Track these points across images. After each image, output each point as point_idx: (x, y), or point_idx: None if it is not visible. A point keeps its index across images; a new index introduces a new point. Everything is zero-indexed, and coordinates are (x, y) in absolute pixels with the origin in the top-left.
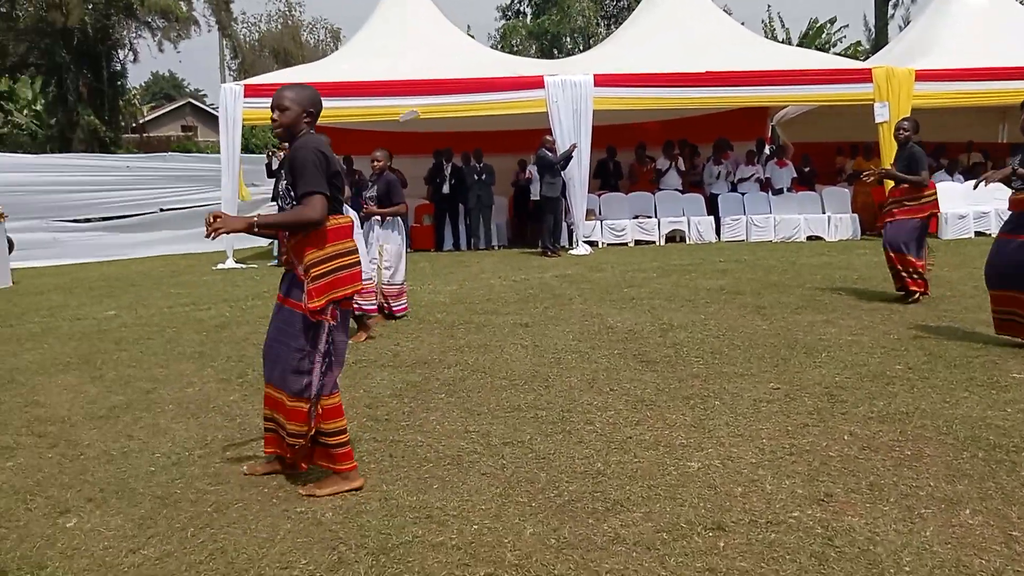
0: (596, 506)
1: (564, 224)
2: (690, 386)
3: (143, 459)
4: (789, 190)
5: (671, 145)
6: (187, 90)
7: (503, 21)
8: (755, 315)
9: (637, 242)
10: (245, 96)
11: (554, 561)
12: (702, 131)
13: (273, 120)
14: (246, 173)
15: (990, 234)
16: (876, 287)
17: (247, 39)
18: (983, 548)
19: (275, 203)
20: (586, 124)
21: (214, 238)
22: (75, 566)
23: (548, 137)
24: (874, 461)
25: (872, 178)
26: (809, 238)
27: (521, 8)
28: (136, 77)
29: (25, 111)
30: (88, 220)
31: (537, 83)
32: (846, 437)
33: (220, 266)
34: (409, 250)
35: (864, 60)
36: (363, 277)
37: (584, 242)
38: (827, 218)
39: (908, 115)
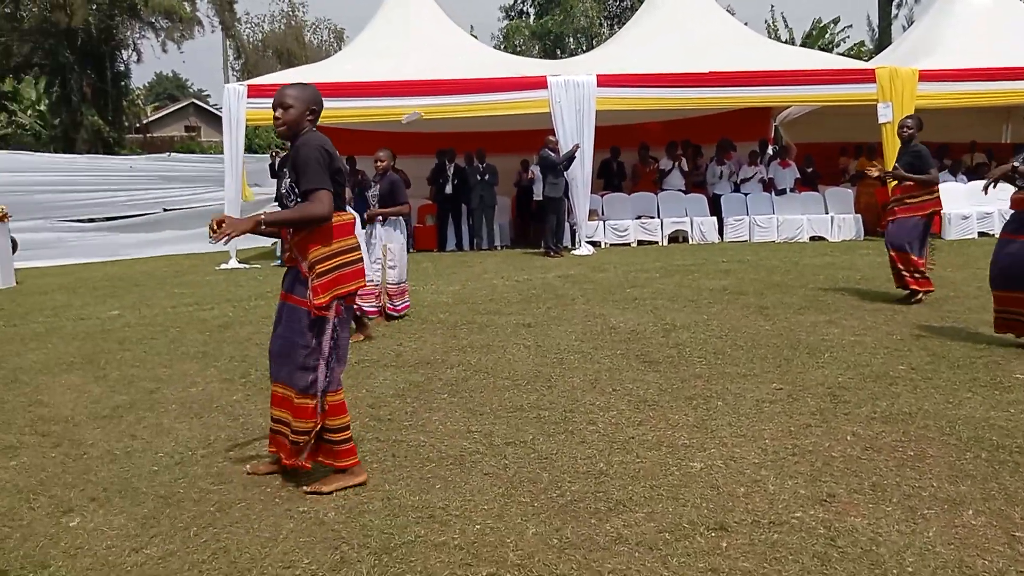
0: (598, 506)
1: (567, 224)
2: (693, 386)
3: (146, 459)
4: (792, 190)
5: (674, 145)
6: (190, 90)
7: (506, 21)
8: (758, 315)
9: (640, 242)
10: (248, 96)
11: (556, 561)
12: (705, 131)
13: (276, 119)
14: (249, 173)
15: (993, 234)
16: (879, 287)
17: (250, 39)
18: (986, 549)
19: (276, 204)
20: (589, 124)
21: (226, 243)
22: (78, 565)
23: (551, 137)
24: (877, 462)
25: (876, 172)
26: (812, 239)
27: (524, 8)
28: (140, 77)
29: (29, 111)
30: (92, 220)
31: (540, 83)
32: (849, 438)
33: (223, 266)
34: (412, 250)
35: (867, 60)
36: (369, 280)
37: (587, 242)
38: (830, 218)
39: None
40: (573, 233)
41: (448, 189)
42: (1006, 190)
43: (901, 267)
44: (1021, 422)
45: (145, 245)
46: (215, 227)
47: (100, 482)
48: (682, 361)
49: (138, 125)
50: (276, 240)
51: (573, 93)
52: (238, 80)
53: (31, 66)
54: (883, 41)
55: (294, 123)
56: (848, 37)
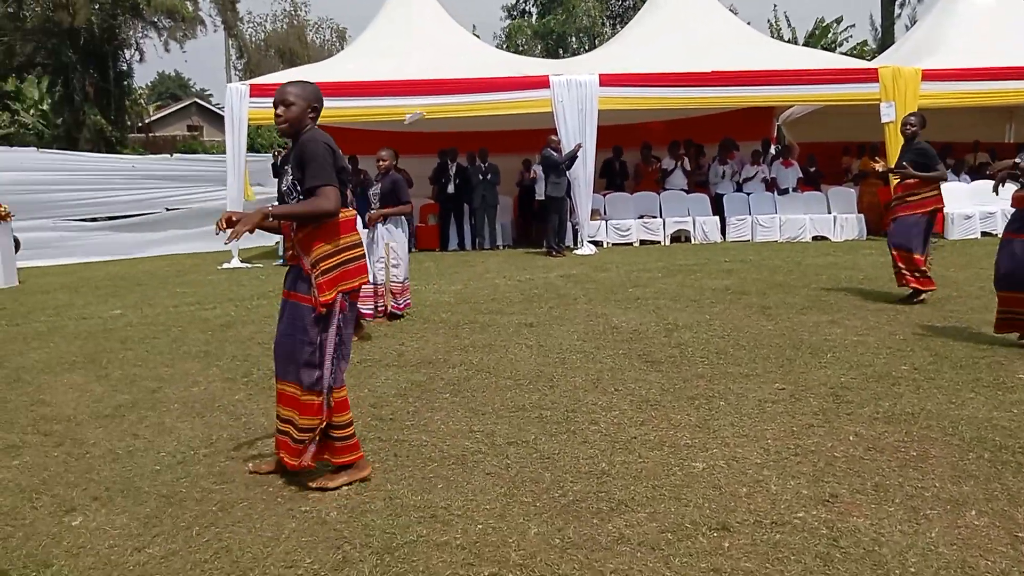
0: (600, 506)
1: (569, 224)
2: (695, 386)
3: (148, 458)
4: (795, 190)
5: (676, 145)
6: (193, 90)
7: (508, 21)
8: (760, 315)
9: (642, 242)
10: (251, 96)
11: (558, 561)
12: (707, 131)
13: (277, 116)
14: (251, 173)
15: (996, 234)
16: (882, 287)
17: (253, 39)
18: (989, 549)
19: (277, 203)
20: (591, 124)
21: (237, 239)
22: (80, 564)
23: (553, 137)
24: (879, 462)
25: (881, 167)
26: (815, 238)
27: (526, 8)
28: (142, 77)
29: (32, 111)
30: (94, 219)
31: (542, 83)
32: (851, 438)
33: (225, 265)
34: (414, 250)
35: (870, 60)
36: (373, 280)
37: (589, 242)
38: (833, 218)
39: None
40: (575, 233)
41: (450, 188)
42: (1010, 189)
43: (902, 266)
44: None
45: (147, 244)
46: (224, 224)
47: (102, 481)
48: (684, 361)
49: (140, 124)
50: (279, 239)
51: (575, 93)
52: (240, 79)
53: (34, 65)
54: (886, 40)
55: (296, 121)
56: (851, 36)
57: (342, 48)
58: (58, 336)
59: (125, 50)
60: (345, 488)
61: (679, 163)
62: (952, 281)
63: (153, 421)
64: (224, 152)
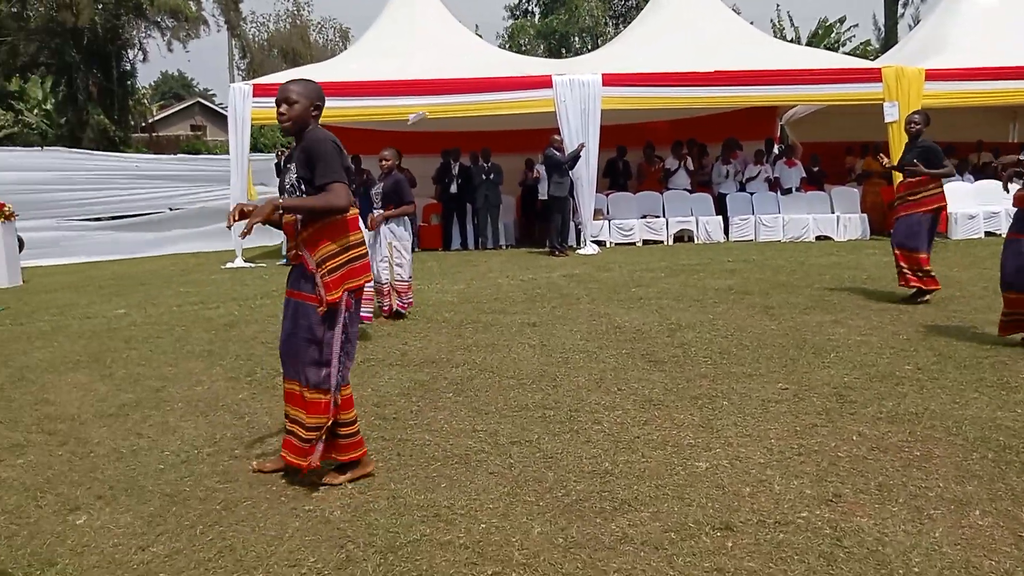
0: (604, 505)
1: (572, 223)
2: (698, 386)
3: (152, 457)
4: (798, 190)
5: (680, 145)
6: (196, 90)
7: (511, 21)
8: (763, 315)
9: (645, 242)
10: (254, 96)
11: (562, 560)
12: (711, 131)
13: (280, 114)
14: (255, 173)
15: (1000, 234)
16: (885, 287)
17: (256, 39)
18: (993, 549)
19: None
20: (594, 124)
21: (250, 233)
22: (85, 563)
23: (556, 137)
24: (883, 462)
25: (887, 163)
26: (818, 238)
27: (529, 8)
28: (145, 76)
29: (35, 110)
30: (98, 219)
31: (545, 83)
32: (855, 438)
33: (229, 265)
34: (417, 249)
35: (874, 59)
36: (376, 279)
37: (592, 242)
38: (836, 218)
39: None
40: (578, 232)
41: (453, 188)
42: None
43: (905, 266)
44: None
45: (151, 244)
46: (236, 216)
47: (106, 480)
48: (687, 361)
49: (144, 124)
50: (283, 239)
51: (578, 92)
52: (243, 79)
53: (37, 65)
54: (889, 40)
55: (299, 118)
56: (854, 36)
57: (345, 48)
58: (62, 335)
59: (129, 50)
60: (349, 487)
61: (682, 163)
62: (956, 281)
63: (157, 420)
64: (227, 152)
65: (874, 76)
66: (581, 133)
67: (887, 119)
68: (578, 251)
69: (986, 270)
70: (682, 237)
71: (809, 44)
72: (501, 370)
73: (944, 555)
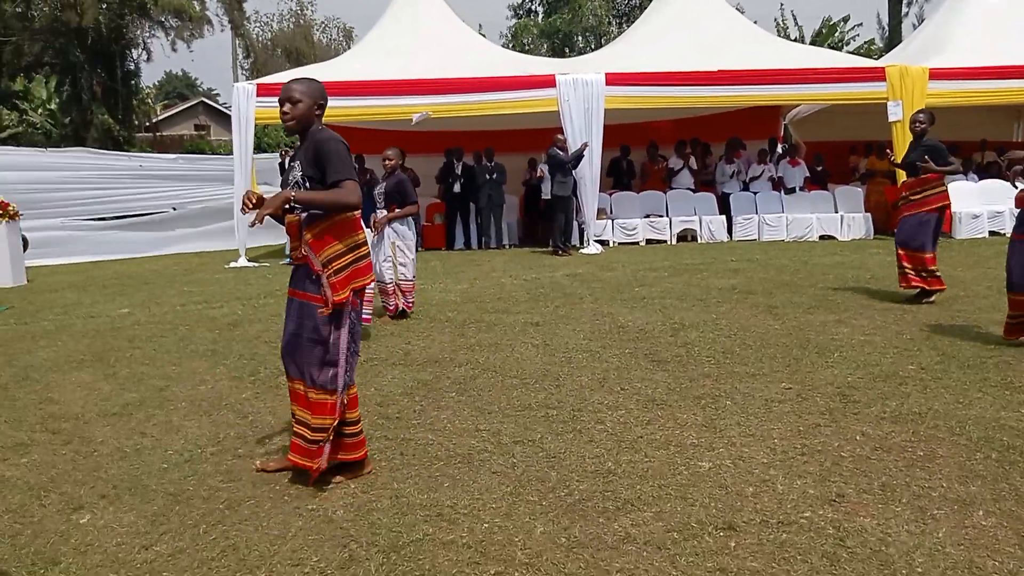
0: (607, 505)
1: (575, 223)
2: (701, 386)
3: (156, 456)
4: (801, 189)
5: (683, 144)
6: (200, 89)
7: (514, 20)
8: (767, 315)
9: (648, 241)
10: (257, 95)
11: (564, 560)
12: (714, 130)
13: (284, 114)
14: (258, 172)
15: (1004, 233)
16: (889, 287)
17: (260, 38)
18: (996, 549)
19: None
20: (597, 123)
21: (260, 223)
22: (88, 562)
23: (559, 136)
24: (886, 462)
25: (894, 157)
26: (822, 237)
27: (533, 7)
28: (149, 76)
29: (40, 110)
30: (102, 219)
31: (548, 82)
32: (858, 437)
33: (232, 264)
34: (420, 249)
35: (878, 59)
36: (380, 279)
37: (595, 241)
38: (840, 217)
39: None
40: (581, 232)
41: (456, 188)
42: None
43: (908, 266)
44: None
45: (155, 243)
46: (250, 204)
47: (110, 479)
48: (691, 360)
49: (148, 124)
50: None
51: (582, 92)
52: (247, 79)
53: (42, 65)
54: (893, 39)
55: (303, 117)
56: (858, 35)
57: (349, 47)
58: (66, 334)
59: (132, 50)
60: (352, 486)
61: (686, 162)
62: (960, 280)
63: (160, 419)
64: (231, 151)
65: (878, 75)
66: (584, 132)
67: (891, 118)
68: (581, 250)
69: (990, 269)
70: (685, 236)
71: (813, 43)
72: (504, 370)
73: (947, 555)
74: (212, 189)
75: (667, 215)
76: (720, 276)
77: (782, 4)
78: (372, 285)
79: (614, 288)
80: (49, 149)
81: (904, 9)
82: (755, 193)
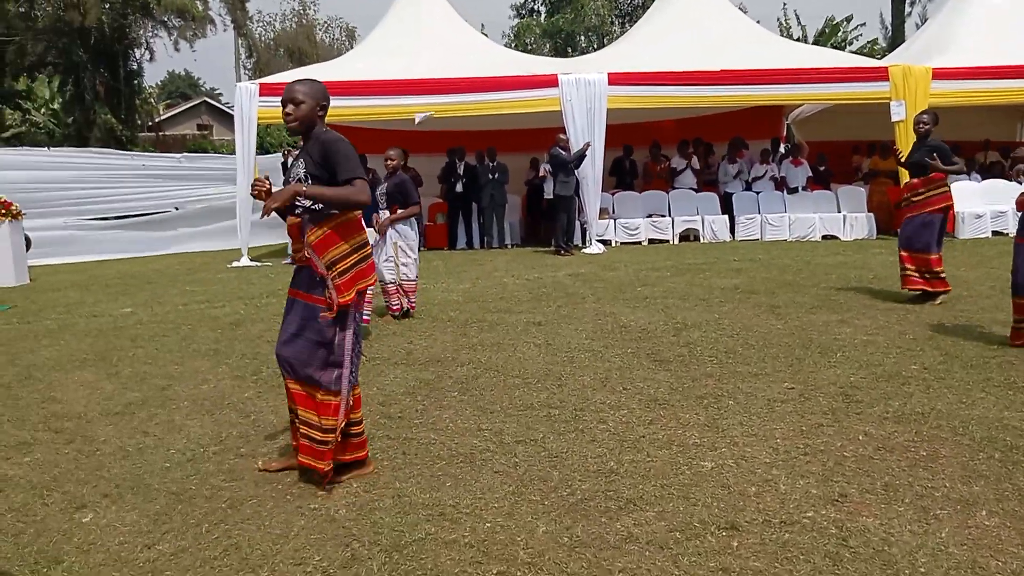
0: (609, 505)
1: (577, 223)
2: (704, 385)
3: (158, 455)
4: (804, 189)
5: (686, 144)
6: (203, 89)
7: (517, 20)
8: (769, 314)
9: (651, 241)
10: (260, 95)
11: (567, 559)
12: (717, 130)
13: (287, 115)
14: (261, 172)
15: (1007, 233)
16: (892, 287)
17: (262, 38)
18: (1000, 550)
19: None
20: (600, 123)
21: (268, 215)
22: (91, 560)
23: (562, 136)
24: (889, 462)
25: (901, 152)
26: (824, 237)
27: (535, 7)
28: (152, 76)
29: (43, 110)
30: (105, 218)
31: (551, 82)
32: (861, 437)
33: (235, 264)
34: (423, 248)
35: (881, 58)
36: (381, 279)
37: (597, 241)
38: (842, 217)
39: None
40: (584, 231)
41: (459, 187)
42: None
43: (912, 268)
44: None
45: (157, 243)
46: (260, 189)
47: (113, 478)
48: (693, 360)
49: (151, 123)
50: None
51: (584, 91)
52: (250, 79)
53: (45, 65)
54: (896, 39)
55: (305, 118)
56: (861, 35)
57: (351, 47)
58: (69, 334)
59: (135, 49)
60: (354, 485)
61: (688, 162)
62: (963, 280)
63: (163, 419)
64: (233, 151)
65: (881, 75)
66: (587, 132)
67: (894, 118)
68: (583, 250)
69: (993, 269)
70: (688, 236)
71: (816, 43)
72: (506, 369)
73: (950, 555)
74: (214, 189)
75: (669, 215)
76: (722, 276)
77: (785, 4)
78: (385, 279)
79: (616, 288)
80: (52, 149)
81: (907, 9)
82: (758, 193)
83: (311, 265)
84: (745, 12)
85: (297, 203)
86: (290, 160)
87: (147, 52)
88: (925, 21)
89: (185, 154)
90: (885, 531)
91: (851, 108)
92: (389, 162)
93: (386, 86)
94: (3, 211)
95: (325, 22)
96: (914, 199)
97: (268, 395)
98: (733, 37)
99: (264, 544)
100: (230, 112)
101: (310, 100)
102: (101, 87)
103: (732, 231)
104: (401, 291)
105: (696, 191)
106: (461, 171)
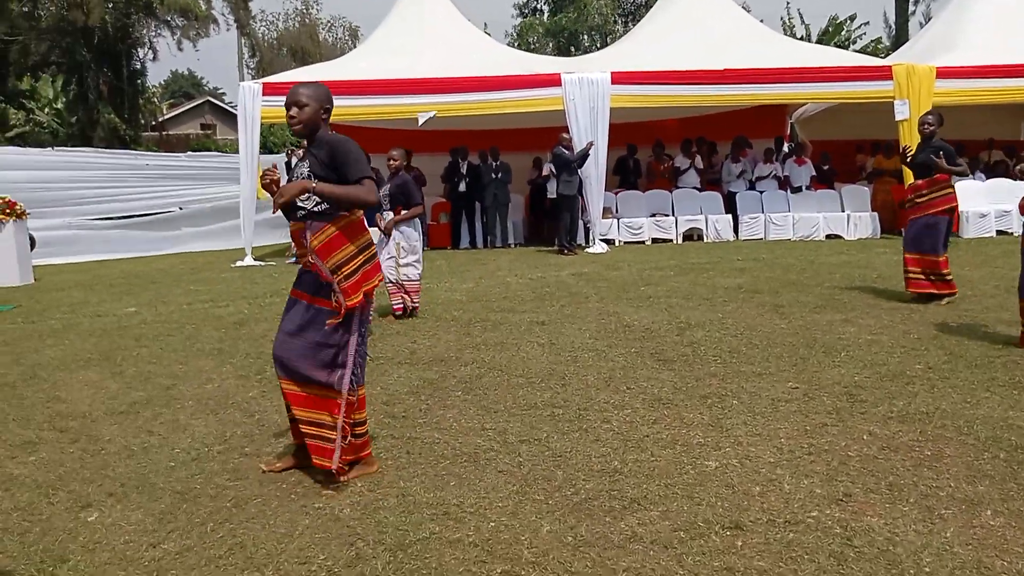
0: (613, 504)
1: (581, 222)
2: (708, 385)
3: (163, 454)
4: (808, 188)
5: (689, 143)
6: (206, 88)
7: (520, 19)
8: (773, 314)
9: (654, 240)
10: (263, 94)
11: (571, 559)
12: (720, 129)
13: (291, 117)
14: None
15: (1012, 232)
16: (896, 286)
17: (265, 37)
18: (1004, 549)
19: None
20: (603, 122)
21: (276, 211)
22: (96, 559)
23: (565, 135)
24: (894, 461)
25: (909, 149)
26: (828, 236)
27: (538, 6)
28: (155, 75)
29: (46, 109)
30: (109, 218)
31: (554, 81)
32: (865, 437)
33: (238, 263)
34: (426, 248)
35: (884, 57)
36: (384, 279)
37: (601, 240)
38: (846, 216)
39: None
40: (587, 231)
41: (462, 187)
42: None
43: (918, 270)
44: None
45: (161, 242)
46: (269, 180)
47: (117, 478)
48: (697, 359)
49: (154, 123)
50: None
51: (587, 90)
52: (253, 78)
53: (48, 64)
54: (900, 38)
55: (310, 121)
56: (864, 34)
57: (354, 46)
58: (73, 333)
59: (139, 49)
60: (358, 484)
61: (692, 161)
62: (967, 280)
63: (167, 418)
64: (237, 150)
65: (884, 74)
66: (590, 131)
67: (898, 117)
68: (587, 249)
69: (997, 269)
70: (691, 235)
71: (819, 42)
72: (510, 368)
73: (955, 555)
74: (218, 188)
75: (673, 214)
76: (726, 275)
77: (788, 2)
78: (388, 278)
79: (620, 287)
80: (56, 148)
81: (911, 7)
82: (761, 192)
83: (317, 271)
84: (748, 11)
85: (300, 206)
86: (294, 160)
87: (150, 51)
88: (929, 20)
89: (189, 152)
90: (890, 531)
91: (855, 107)
92: (392, 162)
93: (389, 85)
94: (8, 211)
95: (328, 21)
96: (918, 200)
97: (272, 394)
98: (736, 36)
99: (269, 543)
100: (233, 112)
101: (314, 103)
102: (104, 87)
103: (736, 230)
104: (403, 290)
105: (700, 190)
106: (464, 170)
